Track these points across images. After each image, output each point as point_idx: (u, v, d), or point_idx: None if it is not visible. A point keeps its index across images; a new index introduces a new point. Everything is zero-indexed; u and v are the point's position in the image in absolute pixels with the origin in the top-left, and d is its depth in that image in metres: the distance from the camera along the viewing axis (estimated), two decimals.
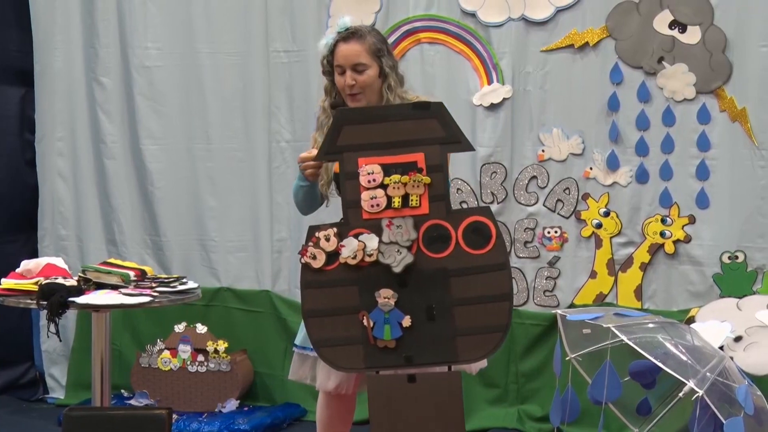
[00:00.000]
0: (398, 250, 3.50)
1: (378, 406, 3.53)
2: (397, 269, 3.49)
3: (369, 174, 3.53)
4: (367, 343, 3.51)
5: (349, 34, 3.97)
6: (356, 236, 3.52)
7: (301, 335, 4.03)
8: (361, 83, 3.93)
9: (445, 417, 3.51)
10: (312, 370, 4.04)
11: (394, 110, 3.70)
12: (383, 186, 3.52)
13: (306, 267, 3.56)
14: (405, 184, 3.51)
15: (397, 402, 3.52)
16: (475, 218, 3.52)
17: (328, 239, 3.54)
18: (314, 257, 3.54)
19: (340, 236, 3.52)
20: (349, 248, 3.51)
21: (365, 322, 3.51)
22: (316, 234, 3.54)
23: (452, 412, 3.52)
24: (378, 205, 3.51)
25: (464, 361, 3.58)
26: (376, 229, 3.50)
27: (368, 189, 3.52)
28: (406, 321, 3.49)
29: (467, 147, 3.58)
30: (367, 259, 3.50)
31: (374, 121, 3.57)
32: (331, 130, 3.59)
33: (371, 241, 3.51)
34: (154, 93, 6.15)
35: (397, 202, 3.50)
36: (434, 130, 3.52)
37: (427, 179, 3.50)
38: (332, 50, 3.99)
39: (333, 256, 3.53)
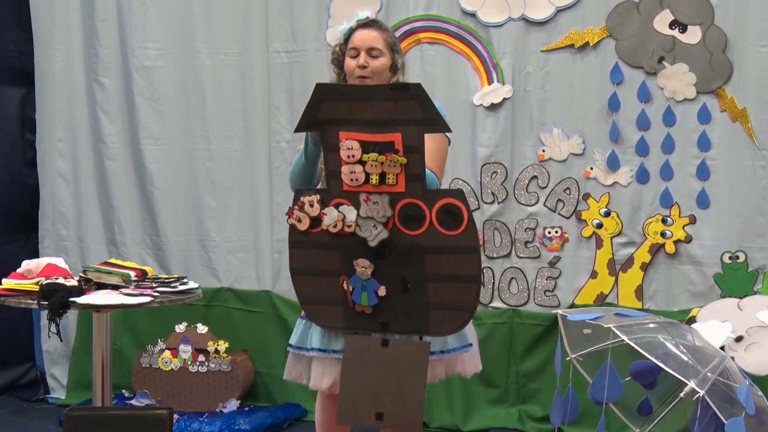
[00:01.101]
0: (374, 225, 3.57)
1: (350, 363, 3.66)
2: (373, 243, 3.57)
3: (348, 149, 3.56)
4: (347, 305, 3.63)
5: (370, 22, 4.02)
6: (337, 206, 3.60)
7: (296, 335, 4.07)
8: (372, 68, 3.96)
9: (408, 383, 3.59)
10: (307, 369, 4.05)
11: (374, 90, 3.74)
12: (362, 162, 3.56)
13: (293, 228, 3.67)
14: (382, 164, 3.55)
15: (368, 362, 3.63)
16: (448, 200, 3.55)
17: (312, 205, 3.64)
18: (299, 220, 3.65)
19: (323, 203, 3.61)
20: (330, 217, 3.60)
21: (345, 286, 3.62)
22: (301, 198, 3.65)
23: (415, 380, 3.59)
24: (357, 179, 3.56)
25: (435, 334, 3.66)
26: (355, 202, 3.57)
27: (348, 163, 3.56)
28: (382, 291, 3.59)
29: (444, 128, 3.60)
30: (346, 229, 3.59)
31: (354, 99, 3.60)
32: (310, 103, 3.60)
33: (350, 213, 3.59)
34: (154, 93, 6.15)
35: (374, 179, 3.55)
36: (412, 111, 3.52)
37: (403, 159, 3.53)
38: (348, 37, 4.01)
39: (317, 220, 3.62)
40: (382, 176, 3.54)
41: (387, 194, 3.55)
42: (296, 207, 3.66)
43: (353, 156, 3.56)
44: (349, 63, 3.98)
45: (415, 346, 3.63)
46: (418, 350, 3.62)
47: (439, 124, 3.56)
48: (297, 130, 3.75)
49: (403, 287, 3.58)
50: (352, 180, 3.56)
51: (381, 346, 3.61)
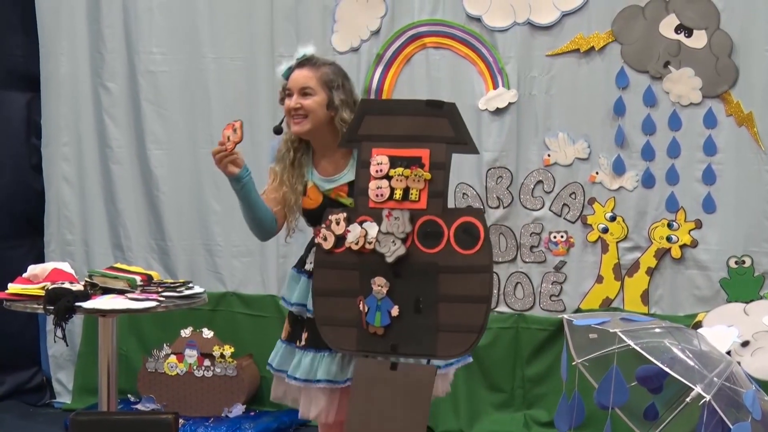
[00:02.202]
0: (393, 241, 3.59)
1: (359, 387, 3.67)
2: (390, 259, 3.59)
3: (378, 164, 3.62)
4: (361, 327, 3.63)
5: (304, 61, 3.97)
6: (361, 223, 3.63)
7: (276, 356, 4.05)
8: (305, 107, 3.90)
9: (412, 407, 3.59)
10: (290, 392, 4.03)
11: (410, 105, 3.77)
12: (388, 177, 3.61)
13: (319, 247, 3.71)
14: (407, 178, 3.59)
15: (376, 386, 3.63)
16: (467, 219, 3.58)
17: (338, 223, 3.68)
18: (325, 239, 3.69)
19: (349, 221, 3.65)
20: (353, 234, 3.64)
21: (361, 306, 3.62)
22: (330, 216, 3.68)
23: (419, 404, 3.59)
24: (382, 195, 3.61)
25: (442, 357, 3.66)
26: (379, 218, 3.61)
27: (376, 179, 3.62)
28: (395, 311, 3.59)
29: (473, 150, 3.65)
30: (368, 246, 3.62)
31: (392, 114, 3.68)
32: (354, 119, 3.71)
33: (372, 229, 3.62)
34: (160, 98, 6.15)
35: (398, 194, 3.59)
36: (444, 129, 3.58)
37: (427, 175, 3.57)
38: (287, 77, 3.98)
39: (341, 239, 3.66)
40: (406, 191, 3.59)
41: (408, 210, 3.58)
42: (324, 225, 3.69)
43: (381, 171, 3.62)
44: (286, 103, 3.96)
45: (422, 371, 3.62)
46: (424, 375, 3.61)
47: (468, 144, 3.61)
48: (340, 145, 3.83)
49: (416, 307, 3.57)
50: (377, 195, 3.61)
51: (390, 370, 3.62)
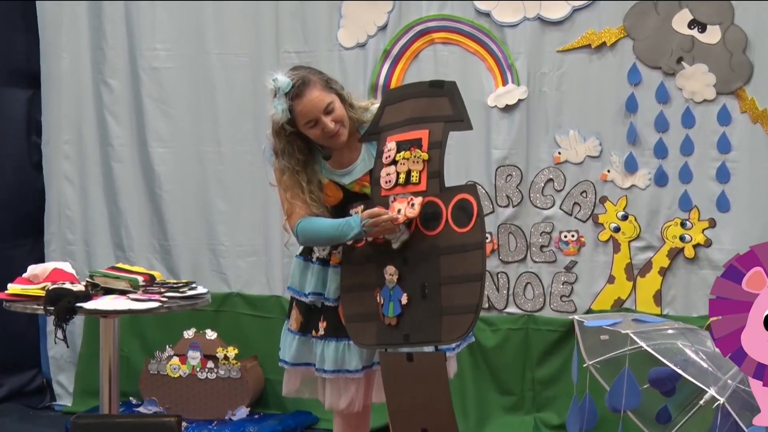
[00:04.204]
0: (398, 227, 3.60)
1: (388, 381, 3.67)
2: (396, 245, 3.59)
3: (388, 151, 3.64)
4: (379, 319, 3.63)
5: (299, 87, 3.78)
6: None
7: (290, 351, 3.99)
8: (338, 118, 3.79)
9: (434, 395, 3.56)
10: (308, 384, 4.01)
11: (417, 87, 3.80)
12: (395, 162, 3.62)
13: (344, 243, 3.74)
14: (408, 160, 3.59)
15: (400, 377, 3.62)
16: (462, 196, 3.56)
17: None
18: None
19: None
20: None
21: (378, 299, 3.63)
22: (350, 212, 3.72)
23: (439, 391, 3.55)
24: (390, 181, 3.63)
25: (446, 341, 3.59)
26: (387, 205, 3.62)
27: (386, 166, 3.64)
28: (404, 298, 3.57)
29: (467, 126, 3.59)
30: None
31: (403, 99, 3.70)
32: (378, 111, 3.74)
33: None
34: (163, 95, 6.12)
35: (402, 178, 3.60)
36: (443, 108, 3.59)
37: (424, 155, 3.57)
38: (291, 112, 3.80)
39: None
40: (408, 174, 3.58)
41: (411, 194, 3.57)
42: None
43: (389, 157, 3.63)
44: (314, 133, 3.81)
45: (432, 358, 3.59)
46: (435, 361, 3.58)
47: (464, 121, 3.57)
48: (362, 140, 3.83)
49: (423, 293, 3.55)
50: (386, 182, 3.63)
51: (407, 361, 3.59)
